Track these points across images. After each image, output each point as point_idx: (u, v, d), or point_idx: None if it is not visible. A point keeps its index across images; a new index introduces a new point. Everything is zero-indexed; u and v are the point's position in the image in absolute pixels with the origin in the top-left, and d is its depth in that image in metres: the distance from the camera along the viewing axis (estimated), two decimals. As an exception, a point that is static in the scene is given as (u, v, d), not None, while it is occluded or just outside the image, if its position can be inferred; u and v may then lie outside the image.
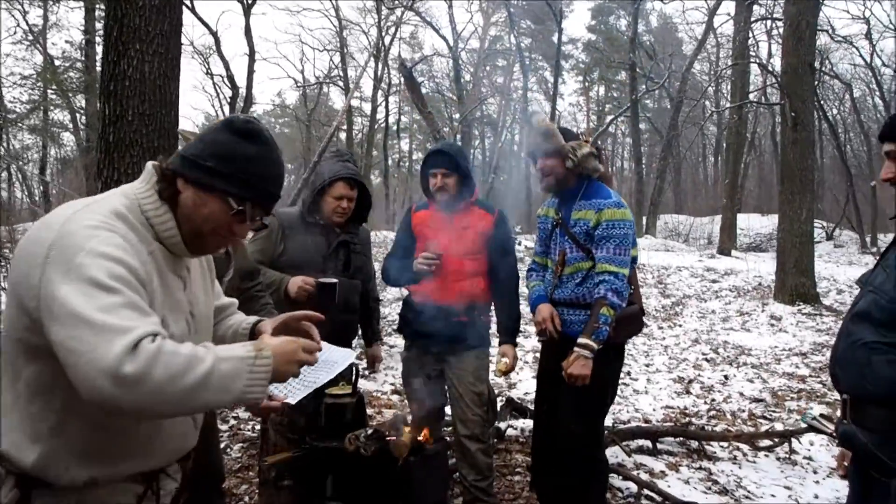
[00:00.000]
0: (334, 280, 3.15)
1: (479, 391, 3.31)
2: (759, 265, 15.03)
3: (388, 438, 2.74)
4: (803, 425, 4.65)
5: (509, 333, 3.39)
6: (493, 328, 3.50)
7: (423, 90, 30.34)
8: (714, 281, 13.46)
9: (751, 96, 21.22)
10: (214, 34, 25.39)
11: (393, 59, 29.02)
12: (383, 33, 27.44)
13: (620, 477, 4.01)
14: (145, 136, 5.01)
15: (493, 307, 3.47)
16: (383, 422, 2.92)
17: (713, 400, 6.16)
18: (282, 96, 42.93)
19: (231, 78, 25.83)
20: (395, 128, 36.42)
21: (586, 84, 38.43)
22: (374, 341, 3.79)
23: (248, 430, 4.89)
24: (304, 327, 1.73)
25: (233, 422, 5.04)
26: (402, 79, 18.73)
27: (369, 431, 2.70)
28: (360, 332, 3.73)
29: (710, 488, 4.10)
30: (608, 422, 5.26)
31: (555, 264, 3.22)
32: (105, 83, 5.21)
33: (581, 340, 2.92)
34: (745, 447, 4.75)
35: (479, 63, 32.01)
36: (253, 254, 3.24)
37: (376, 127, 33.56)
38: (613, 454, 4.42)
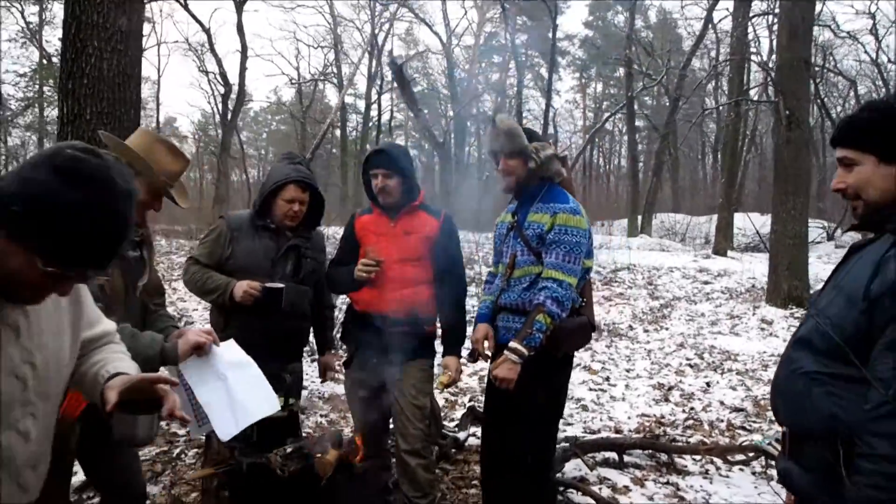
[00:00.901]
0: (280, 285, 3.00)
1: (421, 405, 3.14)
2: (755, 266, 14.81)
3: (315, 456, 2.55)
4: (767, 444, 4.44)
5: (453, 344, 3.23)
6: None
7: (418, 87, 30.25)
8: (706, 282, 13.25)
9: (751, 93, 21.01)
10: (207, 31, 25.25)
11: (387, 56, 28.83)
12: (377, 30, 27.32)
13: (580, 493, 3.82)
14: (104, 135, 4.82)
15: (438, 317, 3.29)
16: (310, 438, 2.73)
17: (692, 409, 5.96)
18: (277, 93, 42.70)
19: (224, 75, 25.74)
20: (389, 125, 36.23)
21: (583, 81, 38.33)
22: (326, 350, 3.63)
23: (178, 448, 4.69)
24: (159, 391, 1.47)
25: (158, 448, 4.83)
26: (393, 76, 18.55)
27: (289, 449, 2.51)
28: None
29: (675, 504, 3.91)
30: (572, 432, 5.08)
31: (505, 267, 3.06)
32: (63, 81, 5.06)
33: (511, 344, 2.79)
34: (718, 461, 4.55)
35: (474, 60, 31.80)
36: (200, 257, 3.16)
37: (371, 124, 33.38)
38: (576, 467, 4.24)
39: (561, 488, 3.85)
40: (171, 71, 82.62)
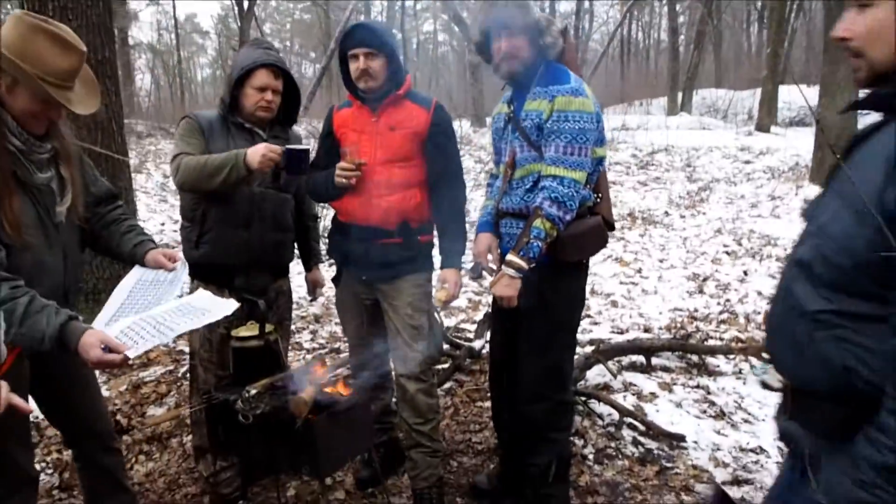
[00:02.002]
0: (306, 146, 2.65)
1: (417, 324, 2.82)
2: (800, 142, 13.93)
3: (288, 395, 2.30)
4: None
5: (451, 255, 2.82)
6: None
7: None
8: (747, 162, 12.53)
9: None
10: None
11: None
12: None
13: (601, 403, 3.57)
14: (70, 32, 4.41)
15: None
16: (288, 372, 2.48)
17: (727, 301, 5.61)
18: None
19: (238, -38, 24.47)
20: (414, 8, 34.62)
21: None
22: (313, 264, 3.33)
23: (184, 367, 4.52)
24: None
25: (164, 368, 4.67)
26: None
27: (252, 391, 2.25)
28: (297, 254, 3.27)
29: (704, 412, 3.65)
30: (599, 333, 4.81)
31: (505, 167, 2.67)
32: (20, -27, 4.60)
33: (508, 257, 2.45)
34: (753, 359, 4.25)
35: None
36: (187, 150, 2.74)
37: (396, 8, 31.88)
38: (600, 373, 3.98)
39: (582, 398, 3.61)
40: (189, -38, 79.63)
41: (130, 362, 1.99)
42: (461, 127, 17.72)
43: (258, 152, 2.57)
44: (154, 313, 2.04)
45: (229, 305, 2.18)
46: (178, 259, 2.37)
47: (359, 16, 29.75)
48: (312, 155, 2.84)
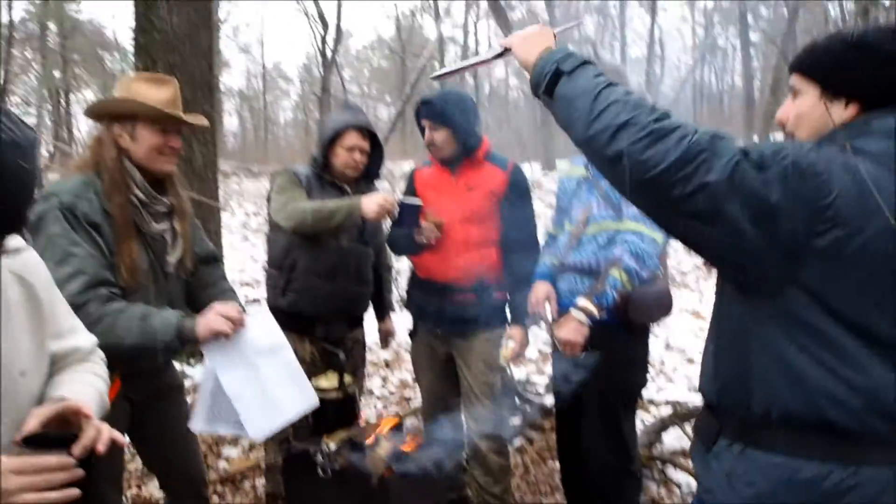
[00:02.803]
0: (419, 201, 2.76)
1: (490, 381, 2.83)
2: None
3: (367, 449, 2.34)
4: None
5: (521, 312, 2.83)
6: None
7: (514, 12, 29.03)
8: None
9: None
10: (303, -31, 25.14)
11: (483, -18, 27.85)
12: (473, -45, 26.24)
13: (678, 469, 3.47)
14: (177, 88, 4.75)
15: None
16: (365, 427, 2.53)
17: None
18: (377, 30, 42.43)
19: (321, 15, 25.63)
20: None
21: (693, -6, 35.47)
22: (385, 315, 3.42)
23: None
24: (82, 423, 1.24)
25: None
26: (488, 3, 17.81)
27: (332, 446, 2.30)
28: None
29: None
30: (674, 392, 4.69)
31: (574, 225, 2.67)
32: (136, 35, 5.02)
33: (580, 302, 2.43)
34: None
35: (575, -20, 30.06)
36: (299, 199, 2.85)
37: (469, 55, 32.57)
38: (677, 437, 3.87)
39: (658, 464, 3.52)
40: (275, 14, 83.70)
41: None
42: (531, 170, 17.75)
43: (375, 202, 2.65)
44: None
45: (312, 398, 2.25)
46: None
47: (433, 62, 30.53)
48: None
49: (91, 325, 1.83)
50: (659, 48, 31.86)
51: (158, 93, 2.13)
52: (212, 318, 1.99)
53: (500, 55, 1.63)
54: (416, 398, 4.79)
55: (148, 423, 2.31)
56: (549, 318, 2.68)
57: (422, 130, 2.91)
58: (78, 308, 1.85)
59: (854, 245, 1.18)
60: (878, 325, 1.21)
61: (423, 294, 2.92)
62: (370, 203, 2.65)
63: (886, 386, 1.20)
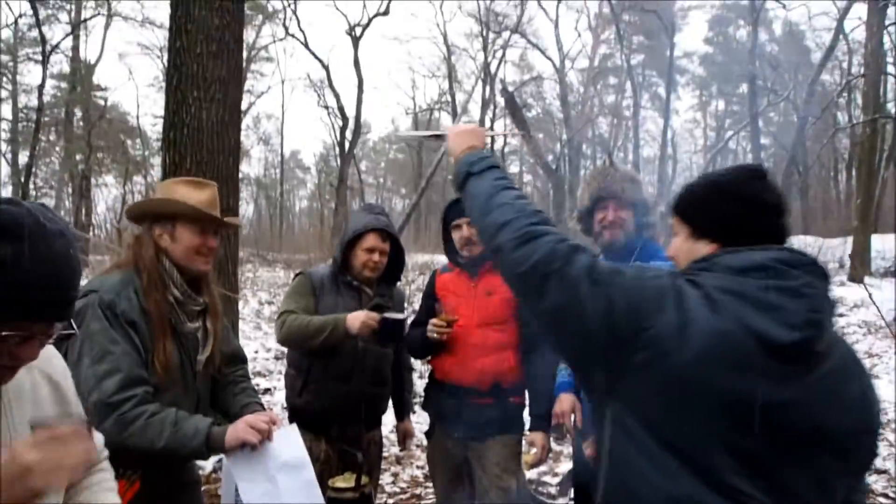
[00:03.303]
0: (402, 315, 2.87)
1: (506, 486, 2.89)
2: (897, 296, 13.43)
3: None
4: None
5: (541, 418, 2.92)
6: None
7: (531, 112, 30.10)
8: (840, 315, 12.14)
9: (889, 107, 19.34)
10: (326, 67, 26.34)
11: (499, 83, 28.99)
12: (490, 58, 27.44)
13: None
14: (203, 184, 5.01)
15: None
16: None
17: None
18: (394, 123, 43.86)
19: (341, 109, 26.64)
20: (502, 151, 36.23)
21: (703, 99, 36.76)
22: (405, 415, 3.49)
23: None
24: None
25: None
26: (505, 103, 18.53)
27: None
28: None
29: None
30: None
31: None
32: (166, 132, 5.30)
33: None
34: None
35: (588, 82, 31.28)
36: (294, 309, 3.02)
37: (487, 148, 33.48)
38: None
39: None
40: (295, 105, 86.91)
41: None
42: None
43: (358, 318, 2.78)
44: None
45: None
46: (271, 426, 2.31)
47: (450, 157, 31.39)
48: (411, 319, 3.08)
49: (124, 426, 1.96)
50: (671, 149, 32.71)
51: (199, 195, 2.24)
52: (241, 429, 2.04)
53: (438, 136, 1.88)
54: (427, 496, 4.82)
55: None
56: (574, 429, 2.73)
57: (446, 230, 3.09)
58: (114, 407, 1.97)
59: (663, 370, 1.30)
60: (682, 441, 1.31)
61: (441, 396, 3.02)
62: (354, 320, 2.78)
63: (688, 496, 1.29)
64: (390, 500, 4.78)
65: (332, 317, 2.86)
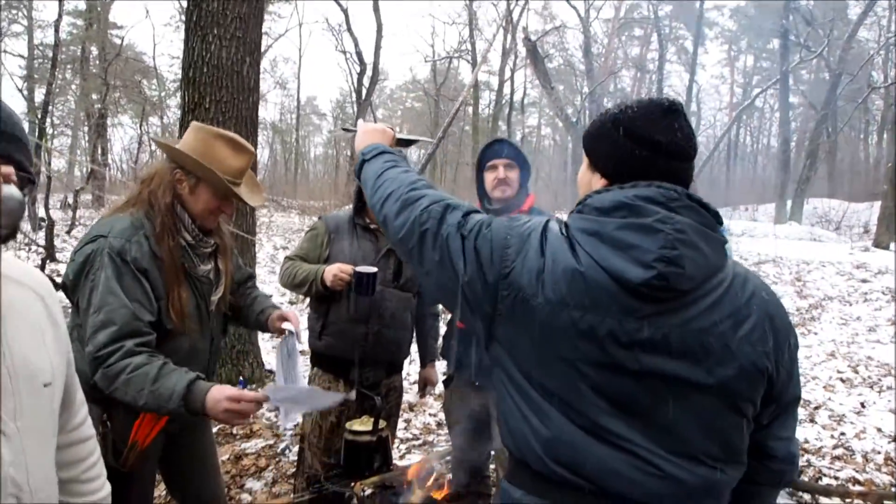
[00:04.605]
0: (373, 269, 2.80)
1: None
2: (922, 262, 13.16)
3: (399, 493, 2.34)
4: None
5: None
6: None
7: (553, 63, 29.44)
8: (864, 280, 11.91)
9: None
10: (345, 11, 25.76)
11: (521, 32, 28.31)
12: (512, 5, 26.68)
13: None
14: (222, 123, 4.87)
15: None
16: (397, 470, 2.53)
17: (842, 434, 5.27)
18: (412, 71, 43.24)
19: (360, 54, 26.12)
20: (522, 103, 35.65)
21: (732, 54, 35.76)
22: (428, 362, 3.41)
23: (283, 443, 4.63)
24: None
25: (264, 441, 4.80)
26: (526, 52, 18.08)
27: (367, 490, 2.30)
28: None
29: (819, 559, 3.41)
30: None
31: None
32: (185, 70, 5.14)
33: None
34: (873, 504, 3.95)
35: (613, 33, 30.47)
36: (296, 255, 3.06)
37: (503, 102, 32.95)
38: None
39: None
40: (312, 50, 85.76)
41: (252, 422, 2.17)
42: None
43: (331, 272, 2.80)
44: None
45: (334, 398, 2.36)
46: (288, 320, 2.45)
47: (467, 107, 30.96)
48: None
49: (109, 380, 1.90)
50: (696, 105, 32.07)
51: (235, 161, 2.14)
52: (221, 411, 1.88)
53: (352, 131, 1.96)
54: (439, 443, 4.77)
55: (178, 452, 2.35)
56: None
57: (479, 174, 3.00)
58: (100, 361, 1.90)
59: (526, 312, 1.32)
60: (552, 383, 1.33)
61: (462, 344, 2.93)
62: (328, 273, 2.81)
63: (562, 437, 1.31)
64: (402, 447, 4.73)
65: (314, 268, 2.89)
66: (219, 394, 1.88)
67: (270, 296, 2.60)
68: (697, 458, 1.31)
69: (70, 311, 2.02)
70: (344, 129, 1.99)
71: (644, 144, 1.35)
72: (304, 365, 2.64)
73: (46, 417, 1.29)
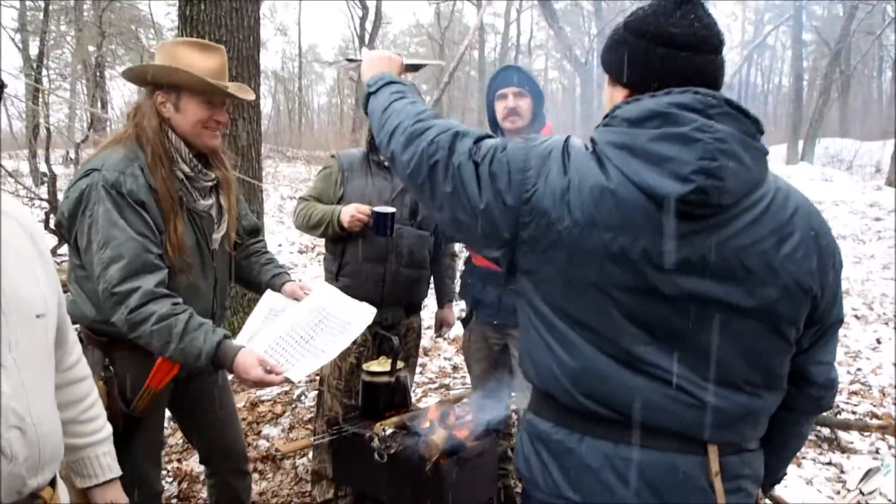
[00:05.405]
0: (391, 209, 2.74)
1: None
2: (937, 200, 12.97)
3: (421, 435, 2.31)
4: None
5: None
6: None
7: (559, 3, 28.70)
8: (877, 219, 11.76)
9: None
10: (345, -49, 25.08)
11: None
12: (517, -57, 25.95)
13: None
14: (223, 64, 4.69)
15: None
16: (419, 410, 2.50)
17: (858, 370, 5.24)
18: (415, 15, 42.30)
19: (361, -3, 25.53)
20: (528, 45, 34.90)
21: (743, -11, 34.76)
22: (445, 302, 3.37)
23: (298, 389, 4.62)
24: None
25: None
26: (533, -8, 17.64)
27: (388, 431, 2.27)
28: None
29: (838, 492, 3.40)
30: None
31: None
32: (182, 8, 4.94)
33: None
34: (892, 438, 3.94)
35: (621, -29, 29.61)
36: (310, 196, 2.98)
37: (510, 45, 32.28)
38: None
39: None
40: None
41: (296, 382, 2.08)
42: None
43: (348, 212, 2.73)
44: (295, 327, 2.11)
45: (368, 312, 2.26)
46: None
47: (472, 51, 30.39)
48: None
49: (133, 327, 1.85)
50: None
51: (206, 61, 2.01)
52: (252, 376, 1.88)
53: (356, 61, 1.88)
54: (455, 386, 4.77)
55: (191, 398, 2.31)
56: None
57: (490, 110, 2.88)
58: (119, 299, 1.84)
59: (551, 237, 1.24)
60: (581, 312, 1.26)
61: (480, 283, 2.87)
62: (345, 213, 2.75)
63: (591, 368, 1.25)
64: (419, 390, 4.73)
65: (330, 209, 2.84)
66: (250, 359, 1.88)
67: (283, 266, 2.49)
68: (737, 386, 1.26)
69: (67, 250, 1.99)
70: (348, 60, 1.87)
71: (658, 41, 1.24)
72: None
73: (42, 350, 1.27)
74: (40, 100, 15.04)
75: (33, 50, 21.26)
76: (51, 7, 20.10)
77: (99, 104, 22.75)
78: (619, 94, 1.32)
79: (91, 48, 22.70)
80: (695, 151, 1.16)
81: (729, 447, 1.28)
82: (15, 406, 1.15)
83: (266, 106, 36.97)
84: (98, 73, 22.31)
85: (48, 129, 13.26)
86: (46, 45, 20.35)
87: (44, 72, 21.25)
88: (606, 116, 1.29)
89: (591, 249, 1.21)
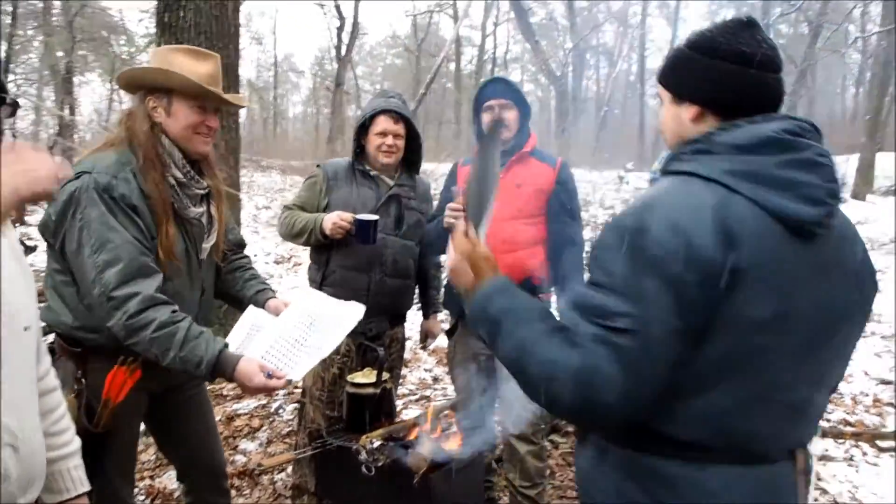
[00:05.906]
0: (374, 217, 2.73)
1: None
2: (900, 213, 13.25)
3: (408, 448, 2.29)
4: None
5: None
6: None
7: (535, 17, 28.95)
8: (845, 231, 12.01)
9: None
10: (321, -39, 25.12)
11: (502, -16, 27.79)
12: (493, -43, 26.19)
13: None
14: (201, 73, 4.64)
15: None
16: (405, 422, 2.48)
17: (831, 379, 5.33)
18: (392, 27, 42.40)
19: (338, 7, 25.56)
20: (504, 58, 35.18)
21: (713, 7, 35.44)
22: (430, 313, 3.35)
23: (276, 402, 4.58)
24: None
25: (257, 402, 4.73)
26: (510, 6, 17.77)
27: (375, 443, 2.25)
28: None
29: (816, 500, 3.44)
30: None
31: None
32: (160, 14, 4.86)
33: None
34: (865, 445, 4.01)
35: (595, -14, 29.98)
36: (294, 205, 2.97)
37: (486, 57, 32.51)
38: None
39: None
40: (289, 3, 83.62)
41: (293, 384, 2.04)
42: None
43: (331, 219, 2.73)
44: (284, 334, 2.08)
45: (357, 308, 2.23)
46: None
47: (449, 64, 30.50)
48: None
49: (130, 333, 1.82)
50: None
51: (199, 66, 2.00)
52: (255, 383, 1.87)
53: None
54: (436, 398, 4.75)
55: (169, 413, 2.27)
56: None
57: (478, 119, 2.89)
58: (117, 304, 1.81)
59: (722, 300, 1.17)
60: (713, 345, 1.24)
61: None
62: (327, 221, 2.74)
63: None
64: (399, 402, 4.70)
65: (314, 217, 2.82)
66: (252, 367, 1.87)
67: (267, 283, 2.43)
68: (832, 388, 1.35)
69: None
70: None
71: (730, 58, 1.27)
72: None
73: (29, 363, 1.25)
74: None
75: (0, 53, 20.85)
76: (18, 11, 19.77)
77: (67, 110, 22.37)
78: (687, 112, 1.33)
79: (60, 53, 22.32)
80: (822, 175, 1.21)
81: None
82: (7, 422, 1.12)
83: (241, 114, 36.68)
84: (67, 78, 21.93)
85: (14, 135, 13.02)
86: (12, 47, 19.99)
87: (10, 77, 20.81)
88: (696, 143, 1.27)
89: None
